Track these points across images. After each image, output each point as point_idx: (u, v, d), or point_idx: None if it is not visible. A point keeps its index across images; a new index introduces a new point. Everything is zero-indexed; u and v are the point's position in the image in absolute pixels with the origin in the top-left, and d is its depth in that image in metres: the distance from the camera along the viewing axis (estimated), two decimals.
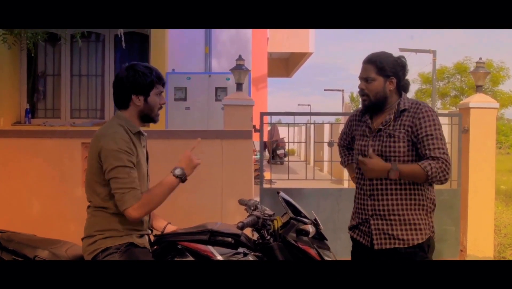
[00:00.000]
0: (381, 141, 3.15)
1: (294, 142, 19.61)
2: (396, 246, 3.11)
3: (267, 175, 7.74)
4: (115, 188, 2.85)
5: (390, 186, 3.13)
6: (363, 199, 3.30)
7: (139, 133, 3.08)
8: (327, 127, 17.37)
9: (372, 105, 3.22)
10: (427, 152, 3.00)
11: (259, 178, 6.77)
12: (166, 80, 8.01)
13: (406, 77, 3.26)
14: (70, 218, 6.18)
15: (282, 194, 3.33)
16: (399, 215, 3.12)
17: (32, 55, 7.86)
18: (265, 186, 6.69)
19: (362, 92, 3.22)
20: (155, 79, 3.04)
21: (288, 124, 13.52)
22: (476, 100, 6.76)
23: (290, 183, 6.88)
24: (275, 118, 7.25)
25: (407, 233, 3.09)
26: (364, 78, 3.18)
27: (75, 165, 6.30)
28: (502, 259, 6.91)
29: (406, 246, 3.09)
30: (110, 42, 8.79)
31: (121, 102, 3.06)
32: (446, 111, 12.26)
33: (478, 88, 6.93)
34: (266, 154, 17.48)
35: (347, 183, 13.62)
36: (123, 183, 2.83)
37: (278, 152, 21.17)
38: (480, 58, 7.17)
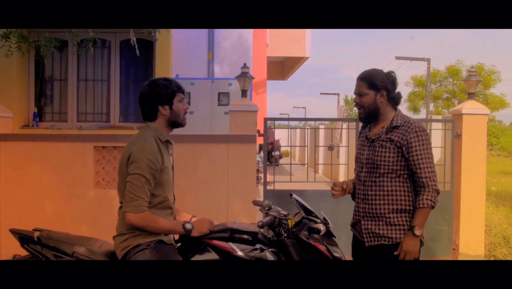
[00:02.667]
0: (374, 151, 3.56)
1: (295, 146, 19.84)
2: (382, 242, 3.51)
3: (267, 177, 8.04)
4: (128, 190, 3.22)
5: (379, 192, 3.53)
6: (357, 202, 3.73)
7: (167, 142, 3.42)
8: (322, 131, 17.72)
9: (367, 117, 3.62)
10: (417, 170, 3.42)
11: (257, 179, 7.05)
12: None
13: (398, 91, 3.63)
14: (82, 220, 6.46)
15: (295, 195, 3.67)
16: (386, 217, 3.51)
17: (45, 62, 8.13)
18: (268, 187, 7.00)
19: (357, 106, 3.63)
20: (175, 88, 3.40)
21: (288, 127, 13.71)
22: (468, 107, 7.11)
23: (289, 184, 7.17)
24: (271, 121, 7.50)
25: (392, 232, 3.47)
26: (358, 93, 3.59)
27: (87, 168, 6.57)
28: (492, 257, 7.26)
29: (391, 243, 3.47)
30: (116, 48, 9.07)
31: (150, 115, 3.41)
32: (440, 117, 12.61)
33: (470, 96, 7.27)
34: (261, 155, 17.77)
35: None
36: (135, 190, 3.20)
37: (274, 153, 21.50)
38: (473, 67, 7.53)
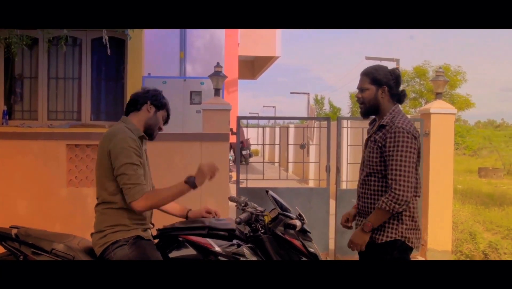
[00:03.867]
0: (366, 150, 3.60)
1: (267, 144, 19.96)
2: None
3: (235, 175, 8.12)
4: (123, 183, 3.25)
5: (367, 191, 3.56)
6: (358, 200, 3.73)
7: (142, 137, 3.49)
8: (292, 130, 17.86)
9: (367, 112, 3.60)
10: (387, 171, 3.39)
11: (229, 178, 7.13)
12: (142, 83, 8.35)
13: (402, 89, 3.62)
14: (55, 218, 6.46)
15: (271, 192, 3.74)
16: None
17: (16, 59, 8.04)
18: (241, 185, 7.08)
19: (358, 101, 3.61)
20: (167, 106, 3.63)
21: (257, 126, 13.84)
22: (436, 106, 7.30)
23: (261, 182, 7.26)
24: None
25: (375, 232, 3.47)
26: (360, 88, 3.58)
27: (60, 166, 6.57)
28: (459, 252, 7.47)
29: (373, 241, 3.49)
30: (87, 46, 9.00)
31: (135, 105, 3.53)
32: (409, 116, 12.82)
33: (438, 95, 7.47)
34: (232, 153, 17.84)
35: (312, 182, 14.14)
36: (130, 179, 3.24)
37: (243, 152, 21.55)
38: (440, 67, 7.73)
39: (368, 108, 3.57)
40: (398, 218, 3.45)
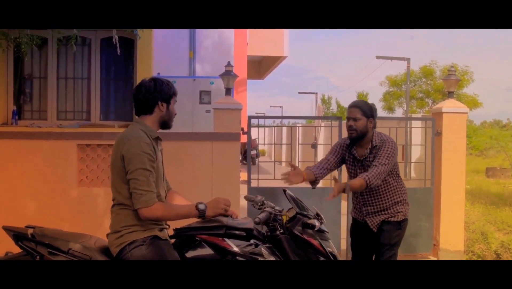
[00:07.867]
0: (365, 170, 4.33)
1: (278, 144, 19.95)
2: (384, 219, 4.45)
3: (244, 176, 8.08)
4: (133, 188, 3.21)
5: (382, 190, 4.45)
6: (358, 206, 4.65)
7: (157, 138, 3.44)
8: (300, 129, 17.79)
9: (358, 138, 4.37)
10: (376, 158, 4.26)
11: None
12: None
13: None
14: (64, 218, 6.44)
15: (288, 191, 3.72)
16: (388, 209, 4.47)
17: (26, 59, 8.04)
18: (252, 185, 7.05)
19: (351, 128, 4.34)
20: (175, 91, 3.52)
21: (264, 126, 13.76)
22: (448, 105, 7.26)
23: (271, 182, 7.21)
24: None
25: (394, 215, 4.44)
26: (353, 118, 4.32)
27: (70, 166, 6.56)
28: (471, 252, 7.42)
29: (392, 220, 4.43)
30: (96, 46, 8.99)
31: (146, 108, 3.43)
32: (419, 115, 12.76)
33: (450, 94, 7.43)
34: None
35: (321, 182, 14.07)
36: (141, 185, 3.20)
37: (251, 152, 21.59)
38: (452, 66, 7.68)
39: (360, 135, 4.34)
40: (405, 200, 4.51)
